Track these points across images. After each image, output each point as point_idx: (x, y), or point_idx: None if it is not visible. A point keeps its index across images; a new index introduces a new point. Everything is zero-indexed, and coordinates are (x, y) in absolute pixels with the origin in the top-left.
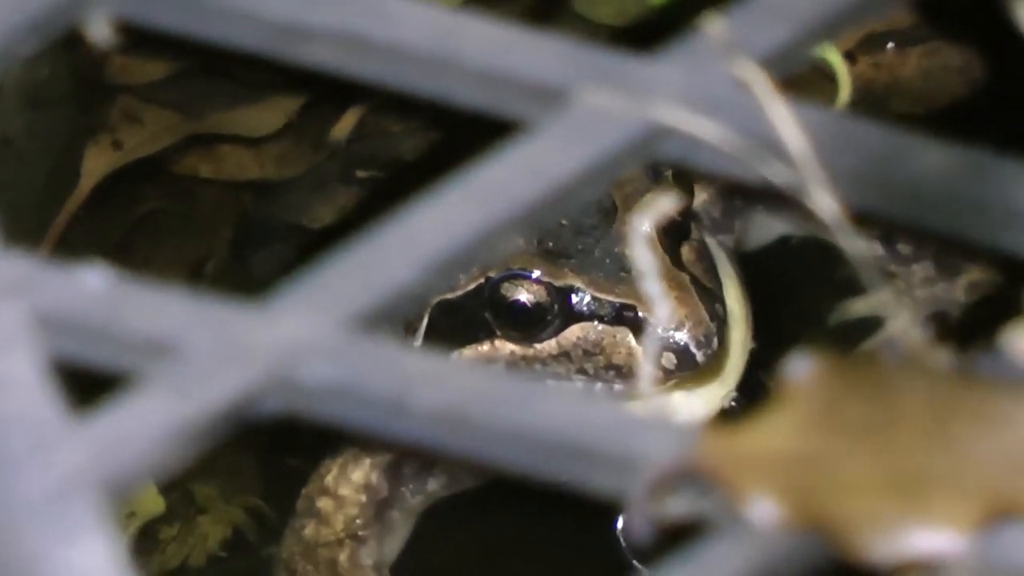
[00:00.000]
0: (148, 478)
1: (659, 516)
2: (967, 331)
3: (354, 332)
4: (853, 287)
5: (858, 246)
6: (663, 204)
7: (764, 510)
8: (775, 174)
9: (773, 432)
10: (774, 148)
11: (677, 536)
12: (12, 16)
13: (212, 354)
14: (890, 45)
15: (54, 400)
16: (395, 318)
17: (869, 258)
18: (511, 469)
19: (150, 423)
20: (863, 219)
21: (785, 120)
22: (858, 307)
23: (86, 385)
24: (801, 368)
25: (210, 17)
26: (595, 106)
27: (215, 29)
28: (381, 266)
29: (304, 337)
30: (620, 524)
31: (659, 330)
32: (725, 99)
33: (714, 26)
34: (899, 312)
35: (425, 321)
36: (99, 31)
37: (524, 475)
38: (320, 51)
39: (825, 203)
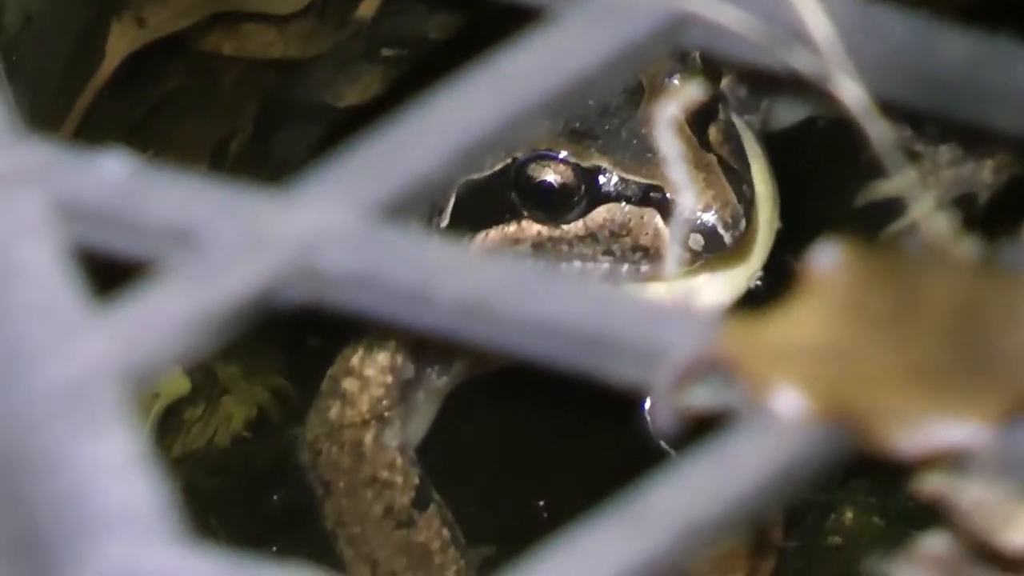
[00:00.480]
0: (170, 367)
1: (683, 406)
2: (994, 214)
3: (377, 221)
4: (880, 168)
5: (883, 132)
6: (690, 90)
7: (788, 401)
8: (800, 61)
9: (797, 322)
10: (799, 35)
11: (703, 424)
12: None
13: (234, 242)
14: None
15: (75, 289)
16: (418, 206)
17: (894, 144)
18: (533, 359)
19: (172, 312)
20: (889, 108)
21: (810, 7)
22: (884, 188)
23: (107, 274)
24: (826, 258)
25: None
26: None
27: None
28: (404, 155)
29: (326, 225)
30: (646, 408)
31: (686, 210)
32: None
33: None
34: (923, 199)
35: (452, 202)
36: None
37: (546, 365)
38: None
39: (850, 89)
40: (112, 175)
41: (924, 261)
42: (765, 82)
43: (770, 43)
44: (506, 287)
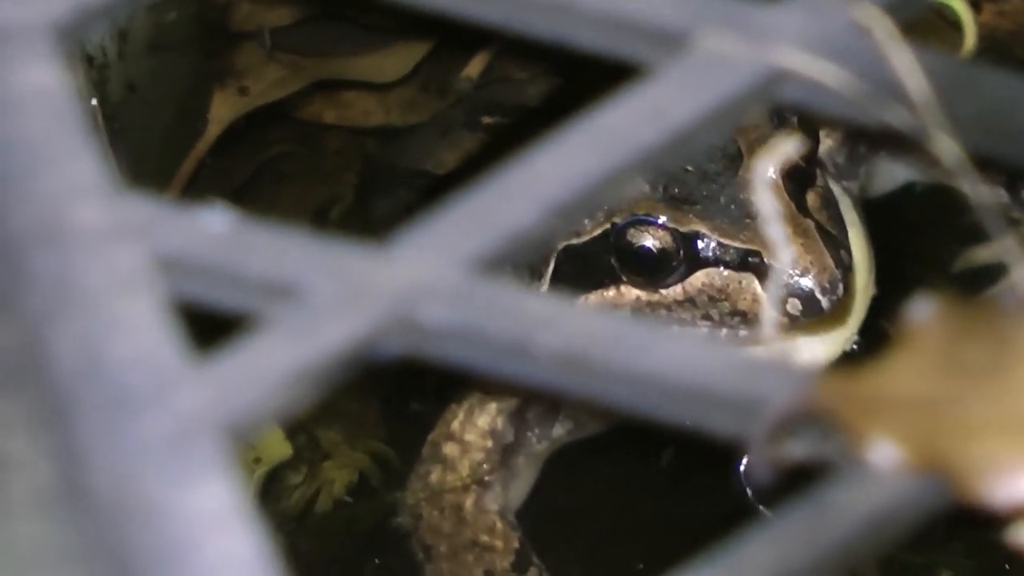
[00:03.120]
0: (270, 421)
1: (781, 459)
2: None
3: (475, 274)
4: (977, 235)
5: (980, 191)
6: (787, 148)
7: (884, 453)
8: (896, 119)
9: (893, 375)
10: (895, 93)
11: (800, 478)
12: None
13: (333, 296)
14: None
15: (175, 342)
16: (516, 261)
17: (992, 203)
18: (633, 412)
19: (272, 365)
20: (985, 165)
21: (907, 65)
22: (981, 255)
23: (208, 327)
24: (922, 311)
25: None
26: (716, 50)
27: None
28: (502, 209)
29: (425, 279)
30: (743, 466)
31: (784, 275)
32: (846, 43)
33: None
34: (1022, 259)
35: (551, 267)
36: None
37: (646, 418)
38: None
39: (947, 148)
40: (212, 229)
41: (1018, 315)
42: (863, 147)
43: (866, 100)
44: (605, 339)
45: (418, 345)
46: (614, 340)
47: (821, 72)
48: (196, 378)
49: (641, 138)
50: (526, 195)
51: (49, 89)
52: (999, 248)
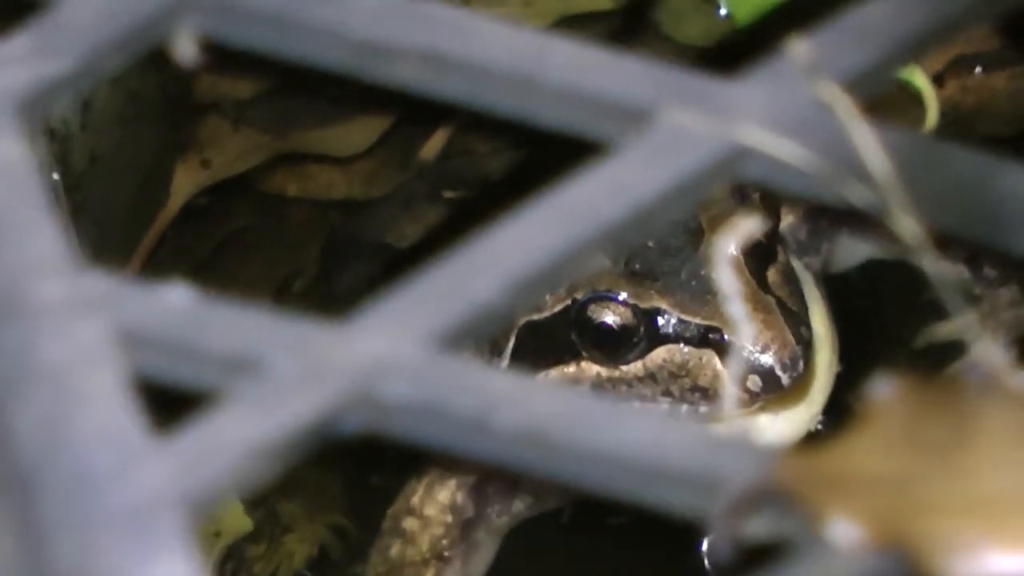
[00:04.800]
0: (231, 495)
1: (742, 537)
2: None
3: (436, 351)
4: (939, 310)
5: (941, 269)
6: (748, 226)
7: (845, 531)
8: (858, 196)
9: (854, 453)
10: (857, 170)
11: (761, 556)
12: (98, 32)
13: (294, 371)
14: (978, 69)
15: (136, 417)
16: (478, 337)
17: (953, 281)
18: (593, 489)
19: (233, 440)
20: (947, 242)
21: (868, 142)
22: (943, 331)
23: (169, 403)
24: (883, 389)
25: (295, 35)
26: (679, 127)
27: (300, 47)
28: (464, 285)
29: (386, 355)
30: (705, 545)
31: (744, 352)
32: (808, 121)
33: (798, 48)
34: (982, 336)
35: (512, 342)
36: (185, 49)
37: (606, 496)
38: (404, 70)
39: (908, 225)
40: (174, 305)
41: (980, 393)
42: (826, 218)
43: (827, 177)
44: (566, 417)
45: (378, 421)
46: (575, 417)
47: (783, 150)
48: (157, 453)
49: (603, 214)
50: (488, 270)
51: (10, 162)
52: (960, 324)
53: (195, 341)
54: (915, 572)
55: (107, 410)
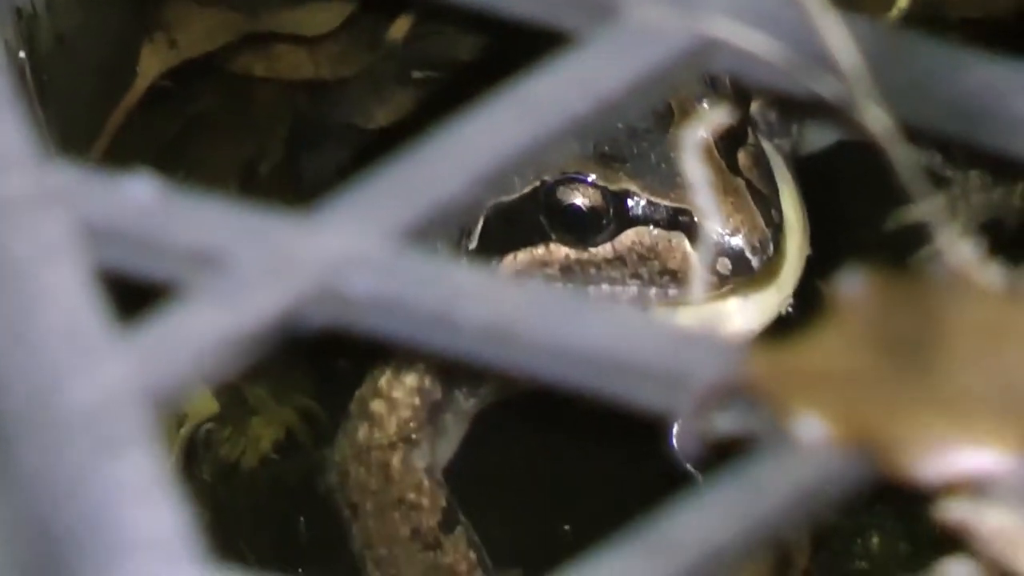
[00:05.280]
0: (194, 390)
1: (708, 431)
2: (1022, 240)
3: (401, 245)
4: (912, 192)
5: (908, 158)
6: (717, 116)
7: (811, 427)
8: (825, 88)
9: (822, 349)
10: (825, 62)
11: (729, 449)
12: None
13: (258, 265)
14: None
15: (99, 311)
16: (443, 230)
17: (920, 170)
18: (558, 384)
19: (196, 335)
20: (915, 134)
21: (836, 33)
22: (913, 213)
23: (132, 296)
24: (851, 285)
25: None
26: (645, 19)
27: None
28: (429, 179)
29: (351, 249)
30: (673, 435)
31: (714, 235)
32: (776, 12)
33: None
34: (951, 227)
35: (480, 224)
36: None
37: (571, 390)
38: None
39: (876, 116)
40: (137, 198)
41: (950, 288)
42: (795, 107)
43: (796, 69)
44: (531, 312)
45: (343, 316)
46: (540, 312)
47: (751, 42)
48: (120, 348)
49: (569, 107)
50: (453, 164)
51: None
52: (930, 207)
53: (158, 235)
54: (881, 469)
55: (69, 305)
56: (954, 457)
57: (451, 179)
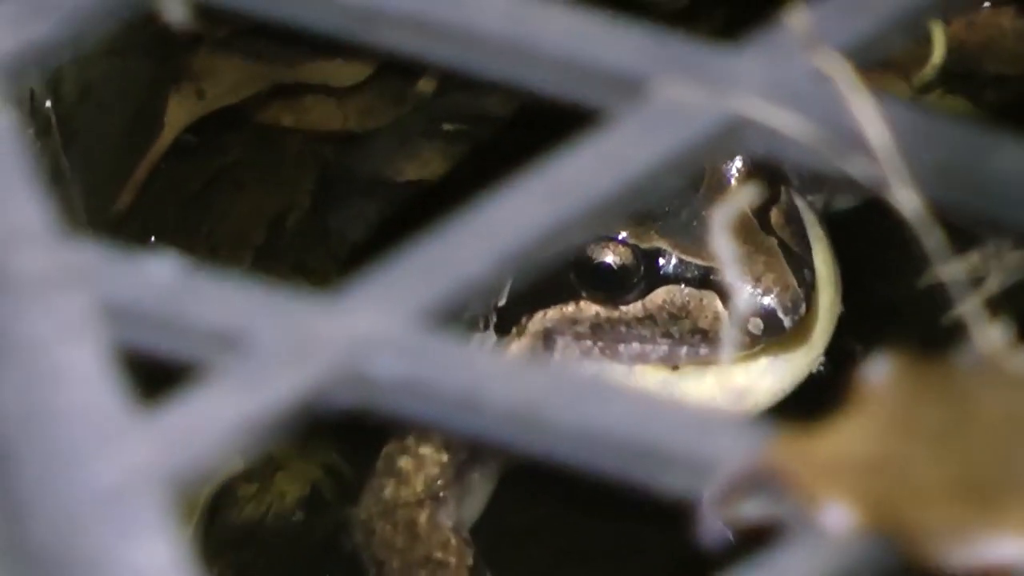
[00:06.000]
0: (214, 474)
1: (733, 518)
2: None
3: (425, 327)
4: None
5: (938, 241)
6: (747, 195)
7: (838, 515)
8: (856, 168)
9: (848, 436)
10: (856, 142)
11: (754, 538)
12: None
13: (281, 346)
14: (986, 4)
15: (119, 392)
16: (466, 311)
17: (948, 254)
18: (581, 468)
19: (217, 417)
20: (946, 215)
21: (867, 114)
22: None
23: (152, 378)
24: (877, 371)
25: (285, 0)
26: (674, 97)
27: (289, 11)
28: (453, 260)
29: (374, 331)
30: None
31: (745, 295)
32: (807, 91)
33: (796, 16)
34: (980, 313)
35: (510, 282)
36: (175, 12)
37: (594, 474)
38: (396, 36)
39: (907, 198)
40: (158, 276)
41: (977, 374)
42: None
43: (827, 149)
44: (555, 395)
45: (366, 398)
46: (564, 396)
47: (780, 121)
48: (140, 430)
49: (596, 187)
50: (478, 245)
51: None
52: (965, 265)
53: (179, 314)
54: (908, 557)
55: (88, 385)
56: (983, 546)
57: (476, 260)
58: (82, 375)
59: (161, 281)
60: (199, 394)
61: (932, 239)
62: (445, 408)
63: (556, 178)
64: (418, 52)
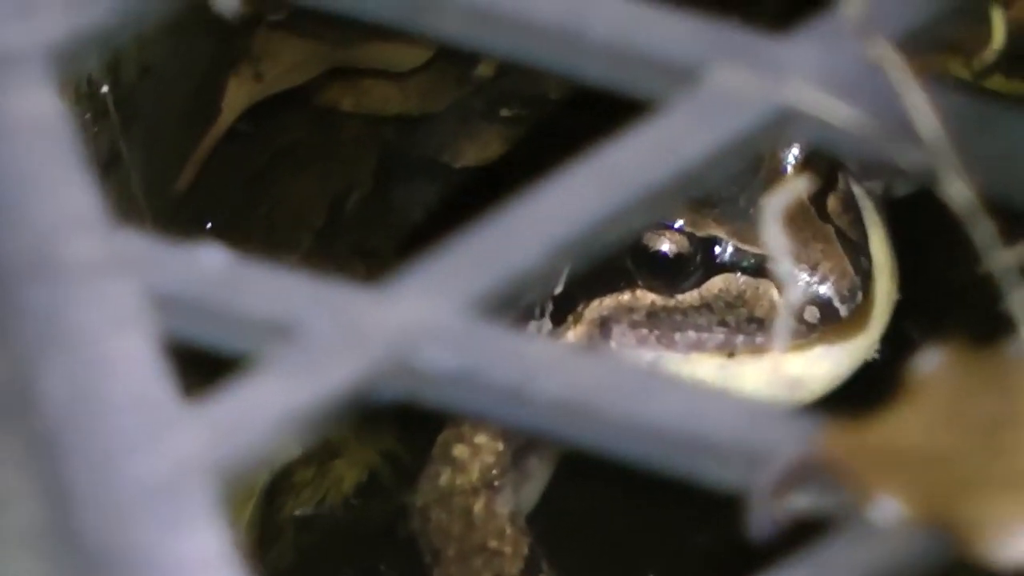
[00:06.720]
0: (264, 464)
1: (784, 511)
2: None
3: (475, 317)
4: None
5: (989, 231)
6: (800, 185)
7: (888, 508)
8: (907, 158)
9: (899, 428)
10: (907, 132)
11: (803, 530)
12: None
13: (331, 337)
14: None
15: (168, 382)
16: (517, 302)
17: (999, 243)
18: (632, 460)
19: (267, 408)
20: (998, 204)
21: (920, 103)
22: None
23: (202, 367)
24: (930, 362)
25: None
26: (727, 86)
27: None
28: (504, 250)
29: (424, 322)
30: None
31: (802, 284)
32: (860, 80)
33: (850, 5)
34: None
35: (567, 269)
36: (227, 2)
37: (645, 467)
38: (450, 23)
39: (959, 190)
40: (208, 266)
41: None
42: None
43: (878, 139)
44: (605, 387)
45: (415, 389)
46: (614, 388)
47: (832, 111)
48: (189, 420)
49: (648, 176)
50: (529, 235)
51: (43, 116)
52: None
53: (229, 304)
54: (959, 551)
55: (138, 375)
56: None
57: (527, 250)
58: (132, 364)
59: (211, 271)
60: (248, 384)
61: (982, 229)
62: (494, 400)
63: (609, 166)
64: (472, 41)
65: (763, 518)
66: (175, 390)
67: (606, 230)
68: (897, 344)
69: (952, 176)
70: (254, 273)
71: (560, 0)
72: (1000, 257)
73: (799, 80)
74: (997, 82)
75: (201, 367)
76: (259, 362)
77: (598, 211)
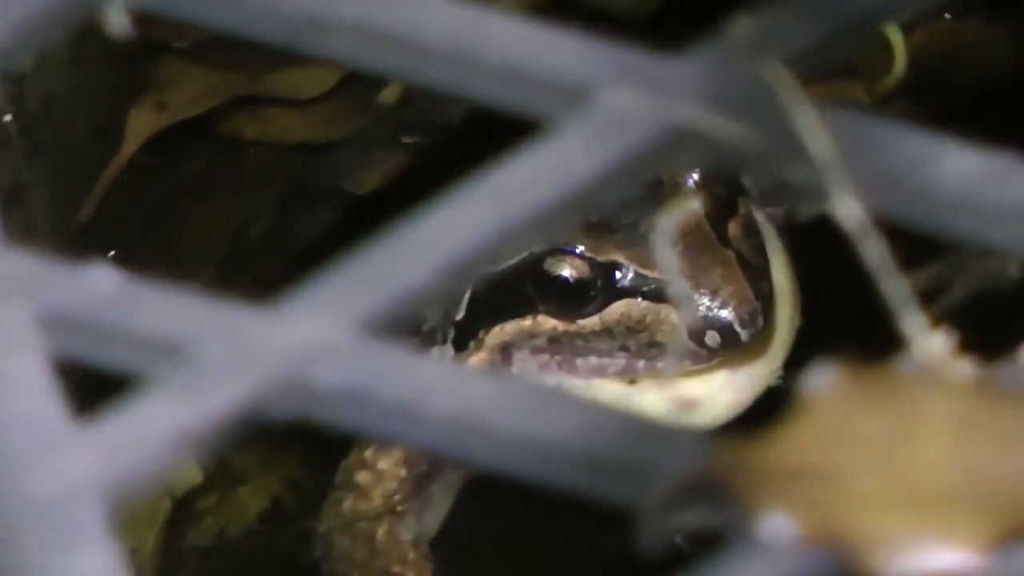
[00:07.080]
0: (154, 485)
1: (674, 528)
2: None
3: (366, 336)
4: (904, 261)
5: (879, 253)
6: (691, 205)
7: (776, 525)
8: (799, 178)
9: (789, 445)
10: (798, 151)
11: (694, 546)
12: (27, 6)
13: (221, 357)
14: (947, 15)
15: (59, 402)
16: (409, 320)
17: (890, 261)
18: (523, 477)
19: (158, 427)
20: (891, 223)
21: (809, 123)
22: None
23: (92, 387)
24: (819, 380)
25: (229, 9)
26: (618, 105)
27: (233, 20)
28: (396, 269)
29: (315, 340)
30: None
31: (702, 308)
32: (750, 100)
33: (741, 24)
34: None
35: (468, 295)
36: (118, 22)
37: (536, 484)
38: (340, 45)
39: (849, 208)
40: (100, 287)
41: (920, 383)
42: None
43: (769, 158)
44: (496, 405)
45: (308, 408)
46: (505, 405)
47: (723, 130)
48: (79, 440)
49: (540, 196)
50: (420, 255)
51: None
52: (924, 277)
53: (120, 324)
54: (850, 568)
55: (28, 395)
56: (923, 555)
57: (418, 269)
58: (22, 384)
59: (102, 291)
60: (138, 404)
61: (872, 247)
62: (385, 417)
63: (499, 187)
64: (363, 61)
65: (653, 534)
66: (65, 410)
67: (496, 250)
68: (800, 371)
69: (842, 194)
70: (146, 294)
71: (453, 20)
72: (890, 274)
73: (690, 100)
74: (901, 107)
75: (94, 387)
76: (150, 382)
77: (488, 231)
